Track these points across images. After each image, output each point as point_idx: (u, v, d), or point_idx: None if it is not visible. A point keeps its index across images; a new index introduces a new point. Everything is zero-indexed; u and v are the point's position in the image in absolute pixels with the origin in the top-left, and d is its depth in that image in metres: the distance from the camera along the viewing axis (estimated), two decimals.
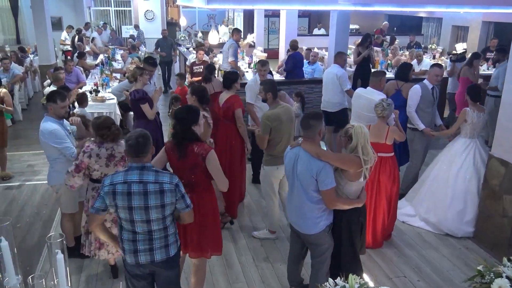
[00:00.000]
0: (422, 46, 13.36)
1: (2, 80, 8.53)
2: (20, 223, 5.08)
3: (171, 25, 19.01)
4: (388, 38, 13.04)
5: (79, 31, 13.60)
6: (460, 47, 8.72)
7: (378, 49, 10.94)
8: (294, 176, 3.37)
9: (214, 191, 3.50)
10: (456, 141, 5.18)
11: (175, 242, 2.95)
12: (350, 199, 3.42)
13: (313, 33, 17.35)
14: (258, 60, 10.31)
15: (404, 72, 6.02)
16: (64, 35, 14.02)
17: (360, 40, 8.02)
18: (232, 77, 5.16)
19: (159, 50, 11.87)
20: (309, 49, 10.07)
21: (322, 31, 16.93)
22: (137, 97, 5.30)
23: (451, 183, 4.97)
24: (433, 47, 12.50)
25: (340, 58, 6.69)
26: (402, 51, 10.96)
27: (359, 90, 5.60)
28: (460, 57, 8.21)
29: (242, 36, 10.46)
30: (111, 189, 2.70)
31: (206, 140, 3.82)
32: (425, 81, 5.60)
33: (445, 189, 4.99)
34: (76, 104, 6.56)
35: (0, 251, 1.48)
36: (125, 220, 2.76)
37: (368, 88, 5.39)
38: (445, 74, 7.96)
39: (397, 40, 12.55)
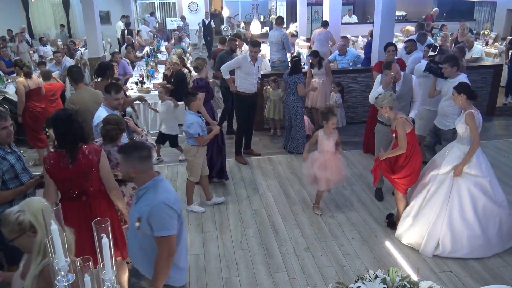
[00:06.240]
0: (474, 32, 12.71)
1: (54, 72, 8.98)
2: None
3: (214, 16, 19.14)
4: (437, 24, 12.45)
5: (128, 24, 13.94)
6: None
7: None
8: None
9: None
10: (456, 156, 4.26)
11: None
12: None
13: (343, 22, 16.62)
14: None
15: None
16: (120, 25, 14.44)
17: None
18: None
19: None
20: (344, 37, 9.21)
21: (354, 18, 16.39)
22: (199, 85, 5.61)
23: (491, 211, 4.26)
24: (486, 32, 11.86)
25: (421, 39, 7.45)
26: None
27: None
28: None
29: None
30: None
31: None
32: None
33: (488, 218, 4.27)
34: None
35: (51, 234, 1.56)
36: None
37: None
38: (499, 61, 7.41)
39: (446, 26, 11.91)
